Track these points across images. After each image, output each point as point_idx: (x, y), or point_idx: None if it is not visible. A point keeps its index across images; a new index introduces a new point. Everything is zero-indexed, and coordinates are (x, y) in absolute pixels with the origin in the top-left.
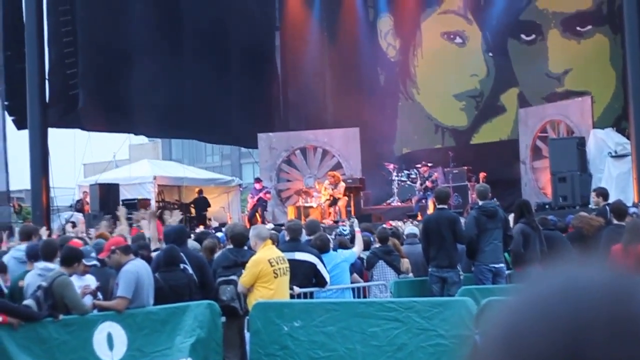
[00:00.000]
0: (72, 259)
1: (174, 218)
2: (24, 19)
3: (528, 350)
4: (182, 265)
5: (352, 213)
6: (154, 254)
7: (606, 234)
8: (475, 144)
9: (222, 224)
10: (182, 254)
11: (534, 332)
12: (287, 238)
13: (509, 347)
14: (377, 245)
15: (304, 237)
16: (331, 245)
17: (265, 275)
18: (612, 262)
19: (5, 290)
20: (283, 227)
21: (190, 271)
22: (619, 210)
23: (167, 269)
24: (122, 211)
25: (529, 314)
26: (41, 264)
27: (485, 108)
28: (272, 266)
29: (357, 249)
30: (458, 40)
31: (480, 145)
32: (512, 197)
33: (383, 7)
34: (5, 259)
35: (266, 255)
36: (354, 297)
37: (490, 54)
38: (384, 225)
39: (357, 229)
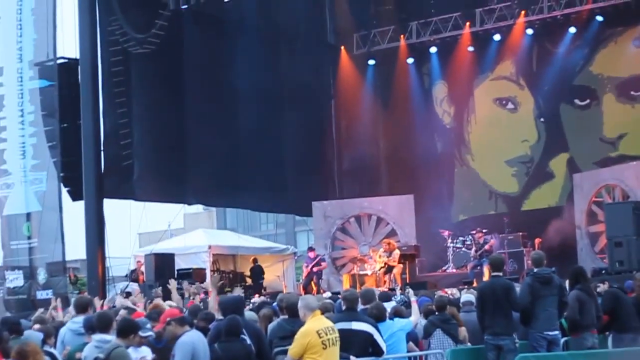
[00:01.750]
0: (128, 330)
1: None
2: (80, 90)
3: None
4: (241, 336)
5: (407, 280)
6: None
7: None
8: (526, 210)
9: (275, 293)
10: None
11: None
12: (344, 307)
13: None
14: (435, 313)
15: (360, 306)
16: (387, 314)
17: (314, 347)
18: None
19: None
20: (339, 296)
21: (249, 342)
22: None
23: (227, 339)
24: (172, 284)
25: None
26: (98, 336)
27: (535, 174)
28: (320, 337)
29: (414, 318)
30: (510, 105)
31: (533, 211)
32: (568, 262)
33: (437, 74)
34: (62, 331)
35: (315, 326)
36: None
37: (542, 119)
38: (441, 293)
39: (413, 298)
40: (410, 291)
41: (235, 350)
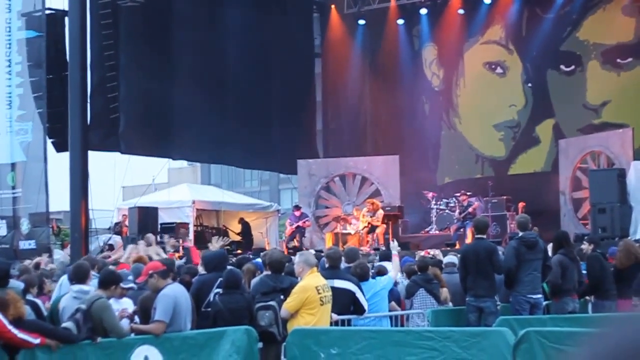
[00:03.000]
0: (110, 282)
1: (216, 244)
2: (67, 43)
3: None
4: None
5: (390, 240)
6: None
7: None
8: (513, 175)
9: (258, 250)
10: (220, 279)
11: None
12: (327, 265)
13: None
14: (418, 273)
15: (343, 264)
16: (370, 273)
17: (312, 302)
18: None
19: (45, 312)
20: (322, 254)
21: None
22: None
23: (227, 291)
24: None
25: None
26: (76, 287)
27: (521, 139)
28: (319, 293)
29: (394, 273)
30: (499, 70)
31: (518, 176)
32: (551, 227)
33: (427, 36)
34: (64, 277)
35: (314, 282)
36: (391, 325)
37: (529, 85)
38: (423, 254)
39: (394, 252)
40: (394, 244)
41: (236, 301)
